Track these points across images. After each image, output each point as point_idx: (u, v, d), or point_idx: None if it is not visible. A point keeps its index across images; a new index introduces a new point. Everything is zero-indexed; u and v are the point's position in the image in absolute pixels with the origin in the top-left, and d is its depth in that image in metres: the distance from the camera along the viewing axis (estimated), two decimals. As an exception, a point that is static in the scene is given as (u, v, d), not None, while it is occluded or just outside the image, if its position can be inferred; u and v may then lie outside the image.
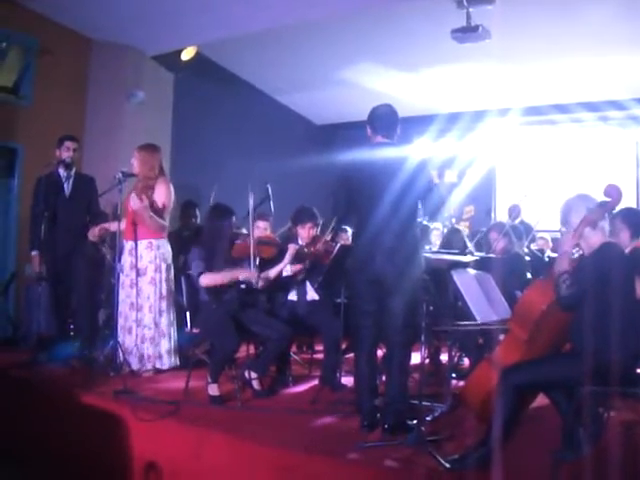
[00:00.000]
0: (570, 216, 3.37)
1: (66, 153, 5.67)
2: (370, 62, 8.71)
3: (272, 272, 5.08)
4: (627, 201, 3.74)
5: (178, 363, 5.43)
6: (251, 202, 4.91)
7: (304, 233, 5.29)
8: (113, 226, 5.47)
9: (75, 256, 5.67)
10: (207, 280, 4.77)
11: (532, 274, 5.85)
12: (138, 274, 5.28)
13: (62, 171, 5.70)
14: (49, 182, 5.65)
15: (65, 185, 5.70)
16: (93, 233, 5.51)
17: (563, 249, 3.36)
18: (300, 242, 5.28)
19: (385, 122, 4.06)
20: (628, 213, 3.95)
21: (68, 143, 5.71)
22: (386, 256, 3.81)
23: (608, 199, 3.32)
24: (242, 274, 4.79)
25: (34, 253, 5.66)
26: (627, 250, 3.82)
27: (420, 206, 3.97)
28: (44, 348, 5.61)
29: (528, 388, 3.30)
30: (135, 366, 5.25)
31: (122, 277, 5.34)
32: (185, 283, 5.10)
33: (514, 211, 9.15)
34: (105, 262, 6.22)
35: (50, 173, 5.69)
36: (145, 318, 5.33)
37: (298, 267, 5.19)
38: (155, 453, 3.96)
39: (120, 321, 5.29)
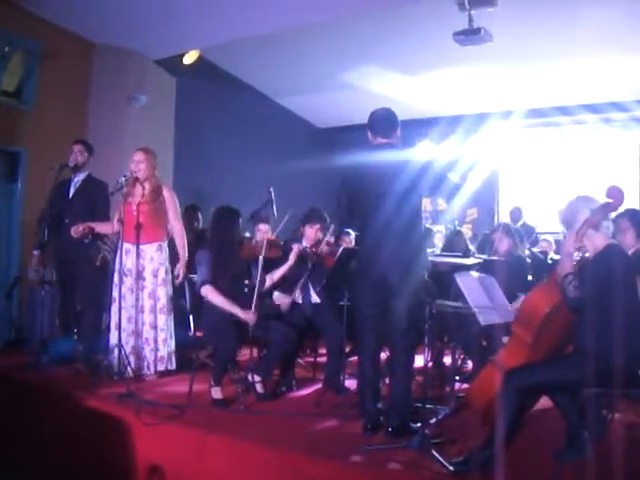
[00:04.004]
0: (575, 218, 3.35)
1: (71, 156, 5.69)
2: (372, 65, 8.72)
3: (277, 273, 5.10)
4: (630, 202, 3.73)
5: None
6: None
7: (311, 233, 5.29)
8: (100, 227, 5.51)
9: (79, 259, 5.66)
10: (208, 294, 4.74)
11: (533, 276, 5.83)
12: (141, 277, 5.28)
13: (72, 175, 5.75)
14: (60, 186, 5.69)
15: (70, 188, 5.72)
16: (76, 230, 5.42)
17: (566, 250, 3.34)
18: (304, 243, 5.29)
19: (382, 123, 4.07)
20: (635, 213, 3.96)
21: (72, 146, 5.74)
22: (390, 258, 3.81)
23: (610, 200, 3.32)
24: (241, 313, 4.68)
25: (35, 252, 5.67)
26: (632, 250, 3.82)
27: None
28: (47, 351, 5.62)
29: (531, 391, 3.29)
30: (145, 369, 5.26)
31: (129, 280, 5.28)
32: (188, 286, 5.10)
33: (516, 214, 9.19)
34: (109, 265, 6.22)
35: (66, 177, 5.73)
36: (159, 320, 5.32)
37: (287, 300, 5.21)
38: (159, 456, 3.96)
39: (131, 326, 5.25)
